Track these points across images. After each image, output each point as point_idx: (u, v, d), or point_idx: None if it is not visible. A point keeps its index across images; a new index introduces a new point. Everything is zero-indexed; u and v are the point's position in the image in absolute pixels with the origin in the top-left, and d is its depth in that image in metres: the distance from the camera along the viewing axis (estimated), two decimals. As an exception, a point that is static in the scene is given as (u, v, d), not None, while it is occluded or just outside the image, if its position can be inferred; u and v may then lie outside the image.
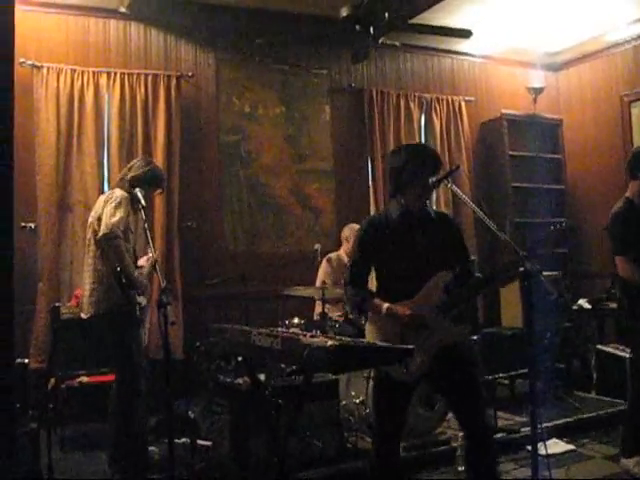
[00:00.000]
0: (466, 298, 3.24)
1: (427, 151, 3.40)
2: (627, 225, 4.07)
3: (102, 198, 4.22)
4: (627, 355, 5.47)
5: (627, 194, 4.18)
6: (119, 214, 3.98)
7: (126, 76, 5.85)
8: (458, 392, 3.15)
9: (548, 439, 4.49)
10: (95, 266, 4.10)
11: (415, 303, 3.12)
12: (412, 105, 7.17)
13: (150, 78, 5.94)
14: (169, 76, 6.03)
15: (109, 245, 3.96)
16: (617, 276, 4.20)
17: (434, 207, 6.99)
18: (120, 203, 4.03)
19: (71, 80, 5.65)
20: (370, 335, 3.23)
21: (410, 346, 2.65)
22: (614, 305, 6.01)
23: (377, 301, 3.18)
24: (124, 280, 3.94)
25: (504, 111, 7.56)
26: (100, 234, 3.96)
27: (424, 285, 3.15)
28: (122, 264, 3.95)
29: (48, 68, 5.57)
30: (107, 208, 4.01)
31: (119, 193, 4.12)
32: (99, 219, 4.04)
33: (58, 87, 5.59)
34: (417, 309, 3.10)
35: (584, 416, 5.22)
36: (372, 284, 3.36)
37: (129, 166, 4.37)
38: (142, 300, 4.18)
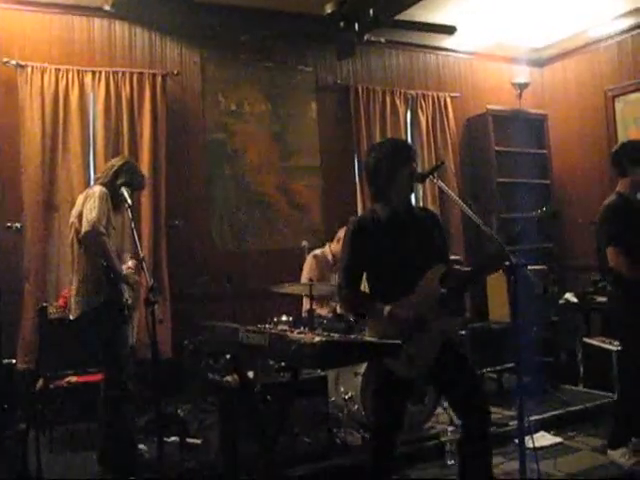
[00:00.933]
0: (462, 288, 3.25)
1: (395, 143, 3.40)
2: (619, 217, 4.08)
3: (81, 196, 4.21)
4: (613, 348, 5.53)
5: (618, 189, 4.21)
6: (98, 209, 3.96)
7: (111, 75, 5.83)
8: (454, 380, 3.15)
9: (535, 432, 4.52)
10: (80, 265, 4.09)
11: (414, 301, 3.11)
12: (398, 101, 7.19)
13: (135, 76, 5.92)
14: (154, 74, 6.01)
15: (93, 242, 3.94)
16: (609, 269, 4.20)
17: (420, 203, 7.03)
18: (98, 199, 4.01)
19: (56, 79, 5.62)
20: (372, 335, 3.19)
21: (397, 341, 2.66)
22: (601, 298, 6.05)
23: (378, 304, 3.14)
24: (112, 275, 3.93)
25: (489, 107, 7.58)
26: (82, 232, 3.94)
27: (419, 281, 3.14)
28: (108, 260, 3.94)
29: (32, 67, 5.53)
30: (87, 205, 4.00)
31: (97, 189, 4.10)
32: (80, 217, 4.02)
33: (42, 86, 5.56)
34: (418, 306, 3.09)
35: (571, 409, 5.25)
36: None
37: (107, 165, 4.38)
38: (128, 297, 4.17)
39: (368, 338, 3.04)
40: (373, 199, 3.33)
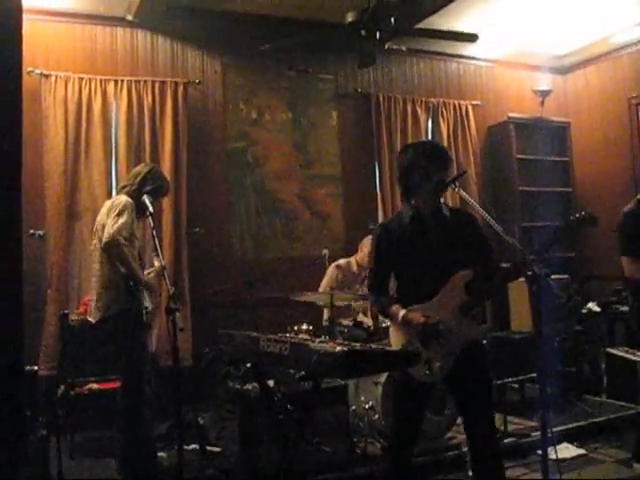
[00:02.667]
0: (490, 293, 3.22)
1: (434, 147, 3.37)
2: (633, 225, 4.07)
3: (107, 204, 4.24)
4: (638, 359, 5.45)
5: (639, 196, 4.19)
6: (122, 220, 4.00)
7: (133, 83, 5.88)
8: (469, 394, 3.13)
9: (558, 443, 4.46)
10: (102, 272, 4.12)
11: (433, 305, 3.08)
12: (419, 110, 7.17)
13: (157, 85, 5.97)
14: (176, 83, 6.05)
15: (112, 253, 4.00)
16: (627, 278, 4.18)
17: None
18: (124, 209, 4.05)
19: (79, 88, 5.68)
20: (394, 340, 3.21)
21: (418, 350, 2.64)
22: (624, 308, 5.99)
23: (395, 309, 3.14)
24: (132, 284, 3.97)
25: (511, 114, 7.54)
26: (103, 242, 4.00)
27: (442, 286, 3.10)
28: (129, 269, 3.98)
29: (56, 76, 5.60)
30: (110, 215, 4.04)
31: (123, 199, 4.14)
32: (104, 226, 4.07)
33: (66, 95, 5.62)
34: (435, 312, 3.05)
35: (595, 420, 5.18)
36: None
37: (132, 173, 4.40)
38: (149, 304, 4.20)
39: (389, 348, 3.02)
40: (401, 198, 3.32)
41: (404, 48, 7.07)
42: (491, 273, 3.13)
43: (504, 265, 3.07)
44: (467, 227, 3.24)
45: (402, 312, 3.08)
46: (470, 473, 4.18)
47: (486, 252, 3.25)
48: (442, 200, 3.27)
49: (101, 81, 5.77)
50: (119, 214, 4.02)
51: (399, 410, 3.22)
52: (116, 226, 3.97)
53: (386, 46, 6.21)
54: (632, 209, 4.14)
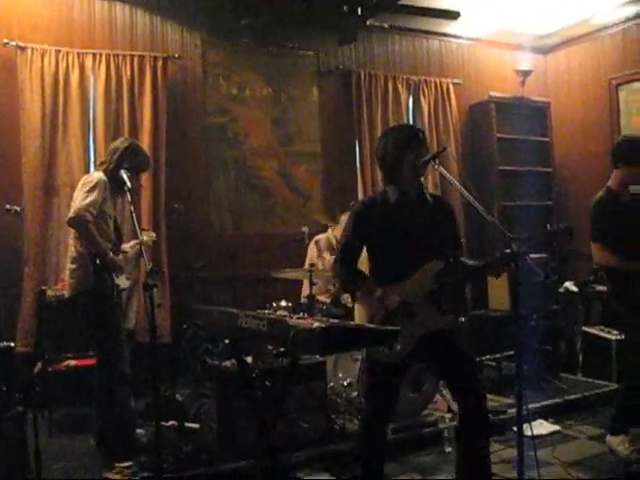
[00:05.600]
0: (455, 288, 3.24)
1: (402, 128, 3.45)
2: (606, 214, 4.13)
3: (82, 180, 4.20)
4: (613, 337, 5.54)
5: (609, 183, 4.26)
6: (91, 197, 3.98)
7: (112, 57, 5.79)
8: (451, 366, 3.15)
9: (534, 420, 4.54)
10: (75, 248, 4.12)
11: (405, 289, 3.11)
12: (400, 87, 7.15)
13: (136, 59, 5.88)
14: (155, 57, 5.97)
15: (77, 228, 4.00)
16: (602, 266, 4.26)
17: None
18: (94, 186, 4.02)
19: (56, 61, 5.58)
20: (358, 315, 3.24)
21: (397, 327, 2.65)
22: (601, 287, 6.06)
23: (371, 284, 3.17)
24: (98, 262, 3.95)
25: (492, 94, 7.54)
26: (67, 218, 4.00)
27: (415, 270, 3.13)
28: (94, 247, 3.97)
29: (32, 49, 5.49)
30: (81, 191, 4.01)
31: (96, 175, 4.12)
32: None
33: (43, 68, 5.52)
34: (407, 295, 3.09)
35: (570, 397, 5.26)
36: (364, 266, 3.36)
37: (110, 148, 4.35)
38: (122, 282, 4.18)
39: (367, 324, 3.03)
40: (384, 182, 3.33)
41: (386, 25, 7.01)
42: (456, 266, 3.17)
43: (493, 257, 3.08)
44: (445, 217, 3.31)
45: (380, 289, 3.11)
46: (447, 449, 4.26)
47: (455, 246, 3.31)
48: (424, 184, 3.31)
49: (79, 54, 5.68)
50: (89, 191, 4.00)
51: (371, 388, 3.26)
52: (83, 203, 3.95)
53: (368, 23, 6.16)
54: (601, 198, 4.21)
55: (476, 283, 6.29)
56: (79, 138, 5.63)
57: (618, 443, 4.13)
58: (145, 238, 4.30)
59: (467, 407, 3.11)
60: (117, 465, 3.89)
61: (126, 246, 4.39)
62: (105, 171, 4.16)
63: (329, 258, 5.47)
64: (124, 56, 5.85)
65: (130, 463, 3.91)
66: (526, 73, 7.74)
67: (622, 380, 4.40)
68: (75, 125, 5.62)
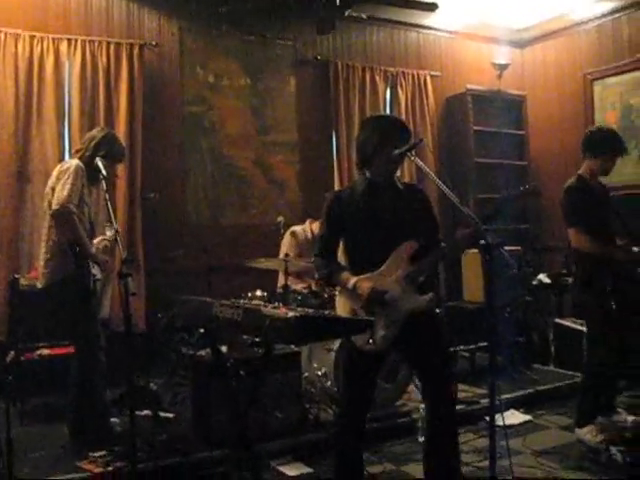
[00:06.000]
0: (431, 266, 3.25)
1: (390, 120, 3.43)
2: (580, 198, 4.19)
3: (57, 168, 4.15)
4: (584, 328, 5.60)
5: (580, 171, 4.35)
6: (70, 186, 3.93)
7: (87, 43, 5.72)
8: (424, 362, 3.18)
9: (506, 410, 4.60)
10: (49, 237, 4.07)
11: (381, 274, 3.12)
12: (378, 79, 7.16)
13: (112, 46, 5.82)
14: (132, 45, 5.91)
15: (62, 220, 3.94)
16: (572, 250, 4.32)
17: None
18: (73, 175, 3.98)
19: (30, 46, 5.51)
20: (340, 306, 3.24)
21: (371, 318, 2.66)
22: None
23: (345, 275, 3.17)
24: (78, 251, 3.92)
25: (469, 86, 7.58)
26: (52, 210, 3.94)
27: (389, 256, 3.14)
28: (76, 237, 3.93)
29: (6, 33, 5.41)
30: (60, 180, 3.97)
31: (74, 163, 4.07)
32: (53, 190, 4.00)
33: (16, 53, 5.44)
34: (382, 281, 3.10)
35: (541, 388, 5.34)
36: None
37: (87, 136, 4.31)
38: (97, 272, 4.15)
39: (342, 314, 3.04)
40: (358, 169, 3.34)
41: (364, 16, 7.00)
42: (434, 249, 3.18)
43: (460, 232, 3.10)
44: (418, 202, 3.31)
45: (353, 280, 3.11)
46: (420, 439, 4.30)
47: (432, 227, 3.33)
48: (397, 175, 3.32)
49: (53, 40, 5.60)
50: (68, 179, 3.95)
51: (349, 378, 3.26)
52: (66, 192, 3.91)
53: (346, 13, 6.15)
54: (572, 184, 4.28)
55: (448, 269, 6.34)
56: (54, 125, 5.57)
57: (586, 433, 4.20)
58: (108, 233, 4.30)
59: (432, 396, 3.15)
60: (91, 455, 3.87)
61: (95, 241, 4.35)
62: (81, 159, 4.12)
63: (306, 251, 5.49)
64: (100, 42, 5.78)
65: (104, 452, 3.89)
66: (503, 66, 7.78)
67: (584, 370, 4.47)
68: (50, 112, 5.56)
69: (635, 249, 4.21)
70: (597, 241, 4.11)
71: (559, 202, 4.31)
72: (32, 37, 5.52)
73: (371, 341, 3.03)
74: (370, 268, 3.13)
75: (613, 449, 4.01)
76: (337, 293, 3.32)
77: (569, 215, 4.23)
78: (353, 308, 3.13)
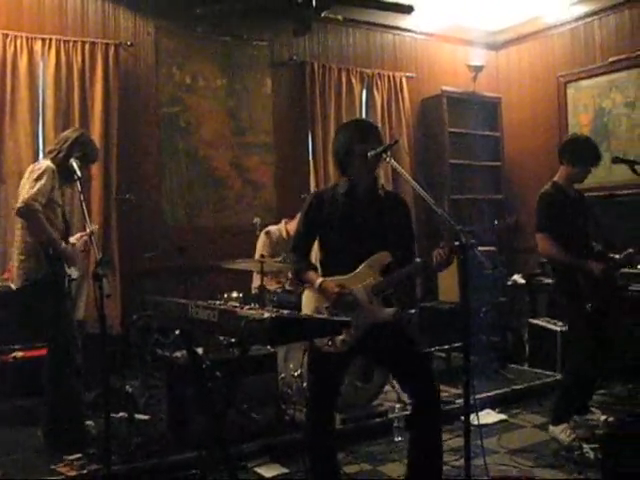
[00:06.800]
0: (399, 282, 3.26)
1: (361, 123, 3.46)
2: (552, 206, 4.26)
3: (29, 169, 4.12)
4: (558, 328, 5.68)
5: (555, 178, 4.41)
6: (39, 186, 3.91)
7: (62, 43, 5.67)
8: (400, 360, 3.18)
9: (481, 410, 4.63)
10: (23, 238, 4.05)
11: (349, 280, 3.15)
12: (354, 80, 7.18)
13: (87, 46, 5.78)
14: (107, 45, 5.87)
15: (26, 218, 3.92)
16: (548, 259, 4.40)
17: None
18: (42, 174, 3.96)
19: (3, 45, 5.45)
20: (305, 305, 3.27)
21: (347, 319, 2.67)
22: (547, 280, 6.20)
23: (312, 274, 3.22)
24: (51, 252, 3.90)
25: (444, 88, 7.63)
26: (16, 207, 3.92)
27: (360, 263, 3.16)
28: (45, 236, 3.91)
29: (-22, 32, 5.37)
30: (28, 180, 3.94)
31: (45, 164, 4.05)
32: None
33: (-11, 52, 5.39)
34: (350, 286, 3.13)
35: (516, 387, 5.39)
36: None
37: (60, 137, 4.28)
38: (73, 272, 4.12)
39: (317, 315, 3.05)
40: (339, 175, 3.36)
41: (340, 17, 7.00)
42: (407, 262, 3.20)
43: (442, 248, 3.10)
44: (398, 212, 3.32)
45: (319, 280, 3.15)
46: (397, 439, 4.32)
47: (408, 241, 3.34)
48: (379, 181, 3.36)
49: (27, 39, 5.55)
50: (37, 179, 3.93)
51: (313, 381, 3.28)
52: (32, 191, 3.88)
53: (322, 14, 6.16)
54: (548, 190, 4.34)
55: (426, 277, 6.37)
56: (27, 125, 5.51)
57: (560, 431, 4.25)
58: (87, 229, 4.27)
59: (419, 397, 3.14)
60: (66, 457, 3.85)
61: (72, 239, 4.32)
62: (54, 159, 4.09)
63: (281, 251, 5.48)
64: (75, 42, 5.74)
65: (79, 455, 3.87)
66: (478, 68, 7.85)
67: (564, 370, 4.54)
68: (23, 112, 5.50)
69: (616, 256, 4.26)
70: (564, 250, 4.16)
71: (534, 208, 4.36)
72: (5, 36, 5.47)
73: (330, 343, 3.06)
74: (341, 272, 3.17)
75: (586, 447, 4.07)
76: (304, 291, 3.34)
77: (540, 220, 4.28)
78: (317, 306, 3.17)
